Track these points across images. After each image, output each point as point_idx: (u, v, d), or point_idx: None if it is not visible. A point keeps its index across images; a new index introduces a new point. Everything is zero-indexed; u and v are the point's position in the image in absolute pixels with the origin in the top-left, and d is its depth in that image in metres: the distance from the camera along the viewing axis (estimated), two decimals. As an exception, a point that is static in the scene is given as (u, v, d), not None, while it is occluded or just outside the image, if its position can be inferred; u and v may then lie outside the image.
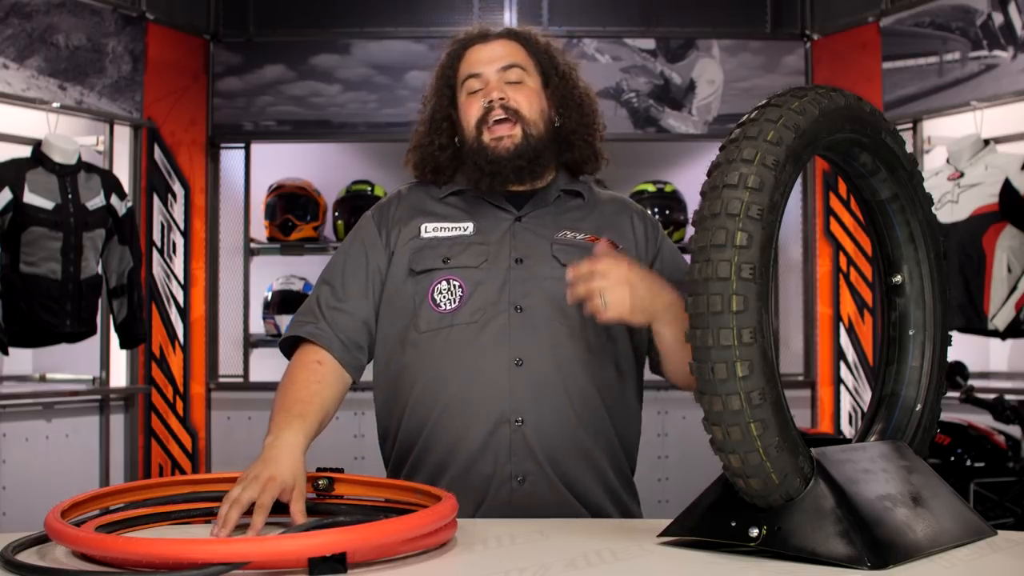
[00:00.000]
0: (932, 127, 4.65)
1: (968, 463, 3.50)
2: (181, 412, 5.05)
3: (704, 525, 1.39)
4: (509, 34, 1.97)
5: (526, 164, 1.88)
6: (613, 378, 1.86)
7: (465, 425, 1.79)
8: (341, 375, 1.85)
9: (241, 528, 1.52)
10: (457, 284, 1.83)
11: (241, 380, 5.20)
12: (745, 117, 1.36)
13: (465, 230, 1.89)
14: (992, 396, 3.49)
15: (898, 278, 1.61)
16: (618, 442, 1.87)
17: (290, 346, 1.90)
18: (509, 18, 5.18)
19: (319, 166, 5.38)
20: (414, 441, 1.84)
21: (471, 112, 1.90)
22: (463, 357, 1.80)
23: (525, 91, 1.90)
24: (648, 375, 1.95)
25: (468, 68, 1.93)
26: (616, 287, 1.63)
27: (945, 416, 1.77)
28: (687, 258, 1.65)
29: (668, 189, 5.19)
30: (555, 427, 1.79)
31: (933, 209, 1.63)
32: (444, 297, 1.83)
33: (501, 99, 1.87)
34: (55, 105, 4.37)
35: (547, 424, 1.79)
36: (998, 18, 4.32)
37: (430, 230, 1.89)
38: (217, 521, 1.52)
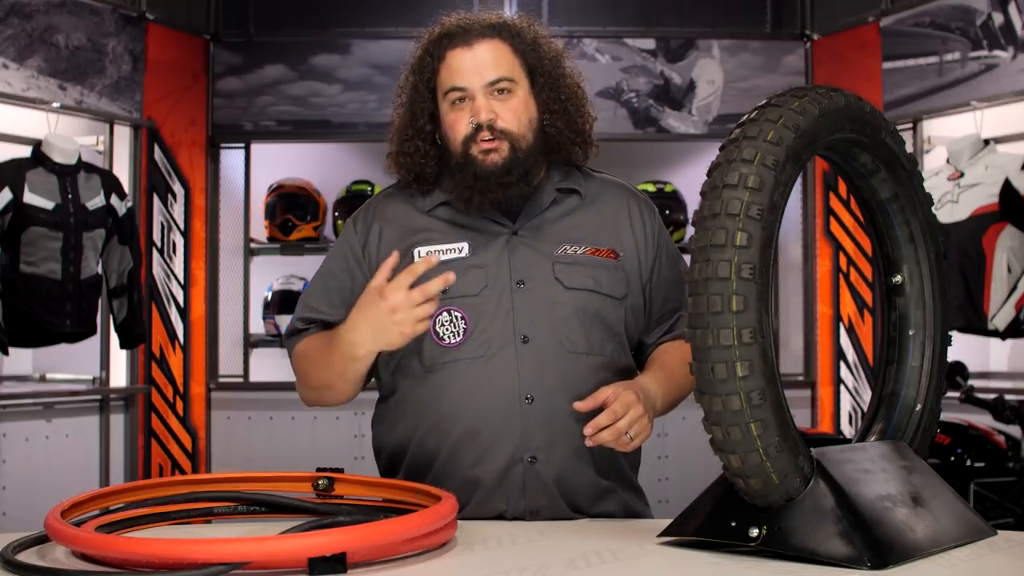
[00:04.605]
0: (932, 127, 4.64)
1: (968, 463, 3.49)
2: (181, 412, 5.05)
3: (704, 525, 1.39)
4: (493, 30, 1.84)
5: (515, 180, 1.81)
6: None
7: (477, 463, 1.77)
8: None
9: (241, 528, 1.52)
10: (459, 316, 1.79)
11: (241, 380, 5.20)
12: (745, 117, 1.36)
13: (460, 251, 1.83)
14: (992, 396, 3.49)
15: (898, 278, 1.61)
16: (625, 459, 1.86)
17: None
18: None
19: (319, 166, 5.38)
20: (423, 474, 1.81)
21: (458, 128, 1.81)
22: (472, 393, 1.77)
23: (513, 103, 1.81)
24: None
25: (451, 78, 1.81)
26: (639, 422, 1.66)
27: (945, 416, 1.76)
28: (686, 258, 1.65)
29: (668, 189, 5.19)
30: (568, 461, 1.78)
31: (933, 209, 1.63)
32: (447, 330, 1.79)
33: (490, 121, 1.79)
34: (55, 105, 4.36)
35: (560, 459, 1.77)
36: (998, 18, 4.31)
37: (424, 255, 1.81)
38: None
